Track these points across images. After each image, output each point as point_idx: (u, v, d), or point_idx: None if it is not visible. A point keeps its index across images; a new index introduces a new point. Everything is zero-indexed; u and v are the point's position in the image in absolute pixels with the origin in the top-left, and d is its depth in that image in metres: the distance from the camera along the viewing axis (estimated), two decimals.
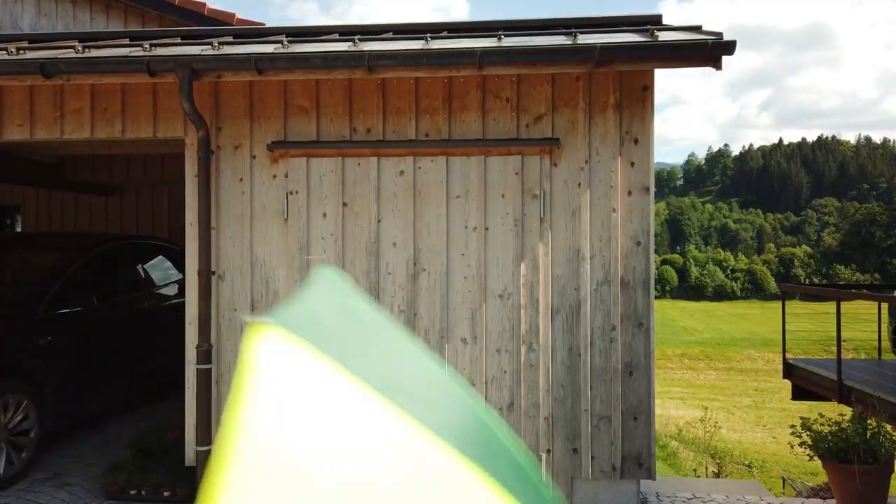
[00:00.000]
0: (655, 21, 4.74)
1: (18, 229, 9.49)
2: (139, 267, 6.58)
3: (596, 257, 4.40)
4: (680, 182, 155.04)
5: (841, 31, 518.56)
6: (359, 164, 4.53)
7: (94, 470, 5.16)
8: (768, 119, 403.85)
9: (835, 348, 7.26)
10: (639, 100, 4.40)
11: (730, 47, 3.98)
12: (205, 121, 4.48)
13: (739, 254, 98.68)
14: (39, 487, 4.81)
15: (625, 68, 4.21)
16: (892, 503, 4.59)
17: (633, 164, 4.40)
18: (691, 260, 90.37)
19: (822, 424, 4.66)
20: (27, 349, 5.00)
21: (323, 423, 0.69)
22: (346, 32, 4.84)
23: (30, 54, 4.57)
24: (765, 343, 38.16)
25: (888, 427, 4.69)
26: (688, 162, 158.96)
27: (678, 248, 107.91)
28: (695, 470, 11.82)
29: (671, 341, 40.42)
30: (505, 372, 4.43)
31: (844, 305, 7.58)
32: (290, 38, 4.62)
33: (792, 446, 5.09)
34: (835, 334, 7.30)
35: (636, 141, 4.40)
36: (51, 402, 5.07)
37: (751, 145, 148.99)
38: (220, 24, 6.55)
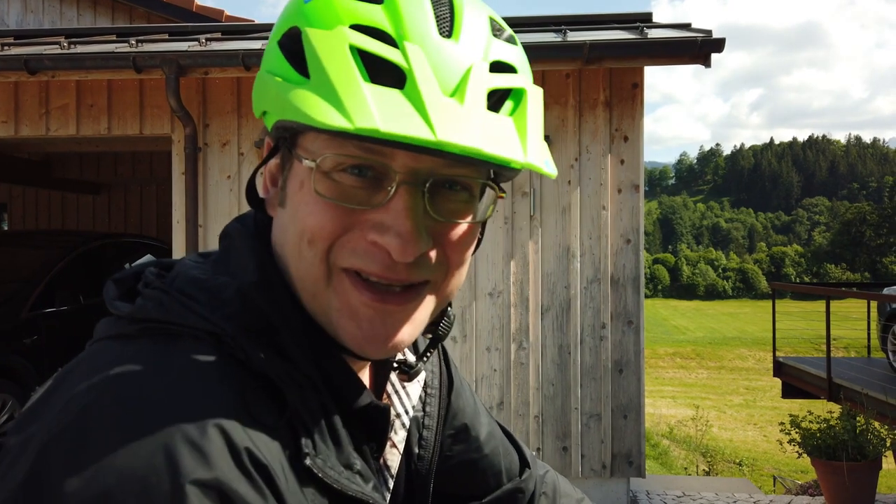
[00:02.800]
0: (645, 19, 4.75)
1: (5, 227, 9.40)
2: (127, 265, 6.52)
3: (586, 255, 4.39)
4: (672, 181, 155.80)
5: (832, 31, 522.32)
6: None
7: None
8: (759, 118, 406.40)
9: (825, 346, 7.29)
10: (629, 97, 4.40)
11: (719, 45, 3.99)
12: (192, 117, 4.44)
13: (731, 253, 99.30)
14: None
15: (614, 65, 4.21)
16: (879, 500, 4.61)
17: (622, 161, 4.40)
18: (683, 259, 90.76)
19: (811, 422, 4.67)
20: (12, 348, 4.95)
21: None
22: None
23: (14, 50, 4.52)
24: (756, 342, 38.38)
25: (876, 424, 4.70)
26: (679, 161, 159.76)
27: (670, 246, 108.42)
28: (686, 468, 11.86)
29: (663, 340, 40.57)
30: (495, 370, 4.41)
31: (834, 304, 7.61)
32: None
33: (781, 444, 5.10)
34: (825, 333, 7.33)
35: (626, 138, 4.39)
36: None
37: (742, 144, 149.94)
38: (209, 21, 6.51)
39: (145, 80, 4.53)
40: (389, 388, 0.66)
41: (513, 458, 0.80)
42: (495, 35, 0.54)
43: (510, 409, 4.39)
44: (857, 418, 4.60)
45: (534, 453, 4.52)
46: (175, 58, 4.18)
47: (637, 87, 4.38)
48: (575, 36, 4.22)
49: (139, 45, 4.48)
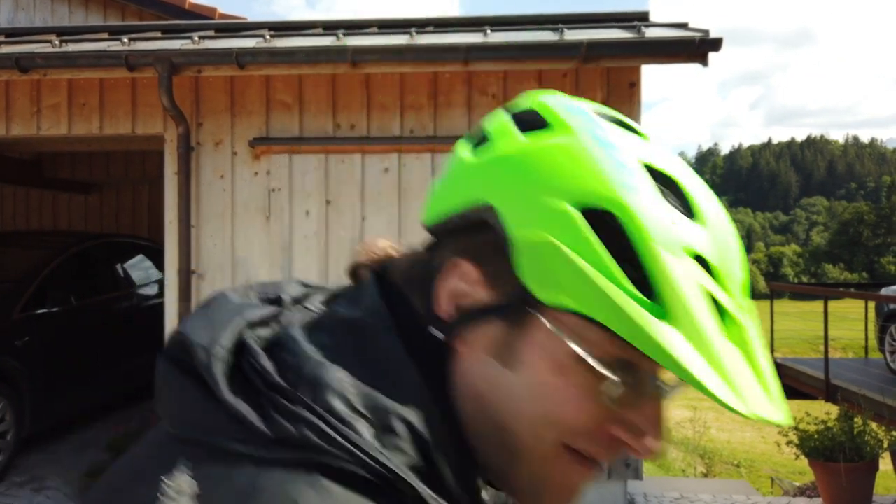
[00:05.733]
0: (642, 17, 4.71)
1: None
2: (119, 266, 6.47)
3: None
4: None
5: (830, 30, 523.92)
6: (342, 160, 4.46)
7: (72, 473, 5.06)
8: (758, 118, 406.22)
9: (823, 347, 7.27)
10: (626, 96, 4.36)
11: (716, 44, 3.96)
12: (185, 116, 4.39)
13: None
14: (17, 491, 4.71)
15: (612, 64, 4.18)
16: (876, 501, 4.59)
17: None
18: None
19: (808, 423, 4.65)
20: (4, 350, 4.90)
21: None
22: (330, 27, 4.78)
23: (6, 48, 4.48)
24: None
25: (873, 425, 4.68)
26: None
27: None
28: (683, 470, 11.83)
29: None
30: None
31: (832, 305, 7.60)
32: (272, 33, 4.55)
33: (779, 445, 5.08)
34: (822, 333, 7.31)
35: None
36: (28, 403, 4.97)
37: (740, 144, 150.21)
38: (202, 19, 6.46)
39: (138, 78, 4.48)
40: None
41: None
42: None
43: None
44: (855, 419, 4.58)
45: None
46: (168, 56, 4.13)
47: (634, 86, 4.35)
48: (572, 35, 4.18)
49: (131, 43, 4.44)
